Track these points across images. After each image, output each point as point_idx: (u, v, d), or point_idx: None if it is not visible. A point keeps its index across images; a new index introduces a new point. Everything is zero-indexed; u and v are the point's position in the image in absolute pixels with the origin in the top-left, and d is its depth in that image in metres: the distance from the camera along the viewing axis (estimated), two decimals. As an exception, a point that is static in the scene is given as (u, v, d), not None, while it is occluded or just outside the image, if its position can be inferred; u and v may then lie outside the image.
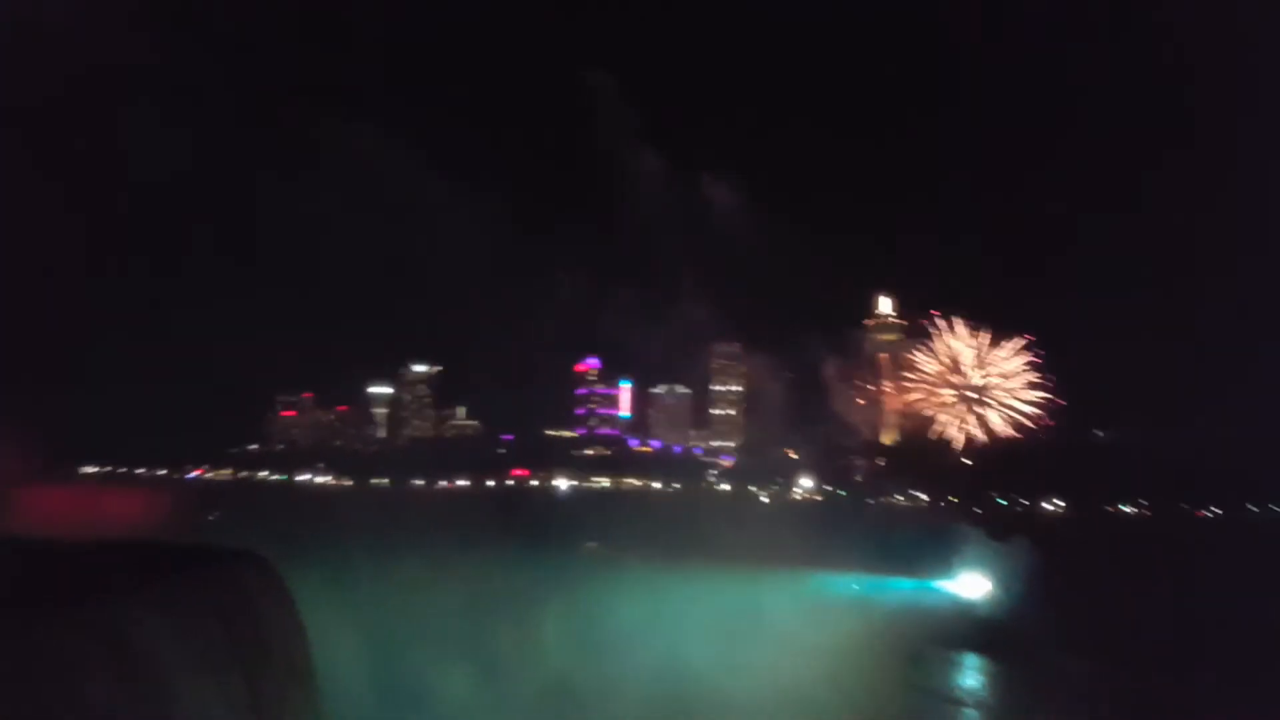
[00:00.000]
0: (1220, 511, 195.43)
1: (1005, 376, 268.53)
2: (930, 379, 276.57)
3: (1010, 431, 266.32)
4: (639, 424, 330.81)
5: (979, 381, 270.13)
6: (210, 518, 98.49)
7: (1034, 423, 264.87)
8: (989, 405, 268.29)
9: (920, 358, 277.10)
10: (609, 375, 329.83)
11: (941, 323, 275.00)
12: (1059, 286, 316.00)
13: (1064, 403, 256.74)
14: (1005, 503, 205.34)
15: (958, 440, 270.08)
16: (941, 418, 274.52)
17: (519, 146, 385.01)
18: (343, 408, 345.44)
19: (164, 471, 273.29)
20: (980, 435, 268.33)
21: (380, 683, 33.80)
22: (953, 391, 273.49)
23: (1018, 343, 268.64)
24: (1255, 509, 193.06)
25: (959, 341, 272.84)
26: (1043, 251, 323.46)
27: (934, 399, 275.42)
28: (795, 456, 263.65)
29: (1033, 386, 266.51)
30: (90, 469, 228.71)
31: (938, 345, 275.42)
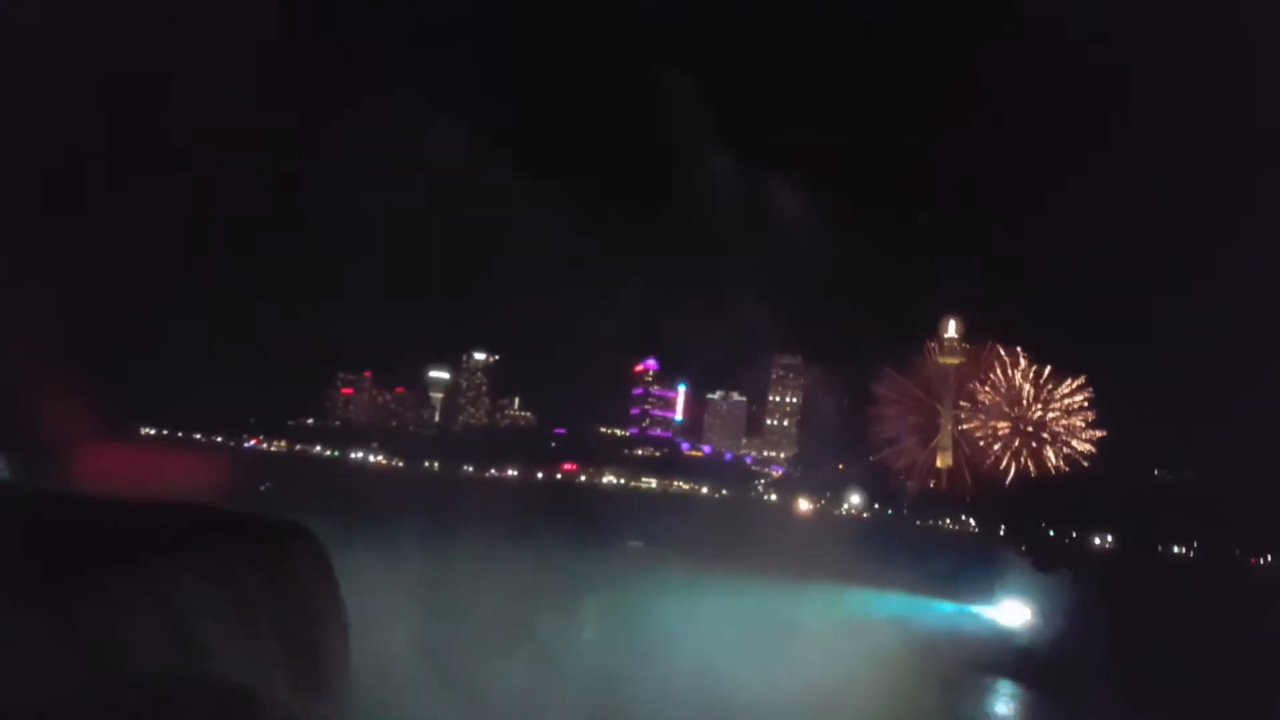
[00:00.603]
0: (1270, 559, 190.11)
1: (1064, 412, 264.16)
2: (987, 410, 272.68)
3: (1064, 467, 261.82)
4: (692, 428, 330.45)
5: (1038, 416, 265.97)
6: (262, 488, 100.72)
7: (1088, 461, 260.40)
8: (1045, 441, 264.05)
9: (980, 388, 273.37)
10: (666, 377, 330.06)
11: (1004, 355, 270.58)
12: (1123, 321, 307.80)
13: (1117, 442, 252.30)
14: (1054, 534, 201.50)
15: (1010, 471, 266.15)
16: (995, 448, 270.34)
17: (591, 143, 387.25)
18: (400, 389, 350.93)
19: (220, 439, 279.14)
20: (1033, 469, 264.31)
21: (412, 657, 34.44)
22: (1008, 424, 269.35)
23: (1078, 380, 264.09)
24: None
25: (1020, 374, 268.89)
26: (1107, 286, 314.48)
27: (990, 429, 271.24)
28: (846, 472, 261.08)
29: (1091, 425, 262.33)
30: (150, 430, 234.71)
31: (997, 376, 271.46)
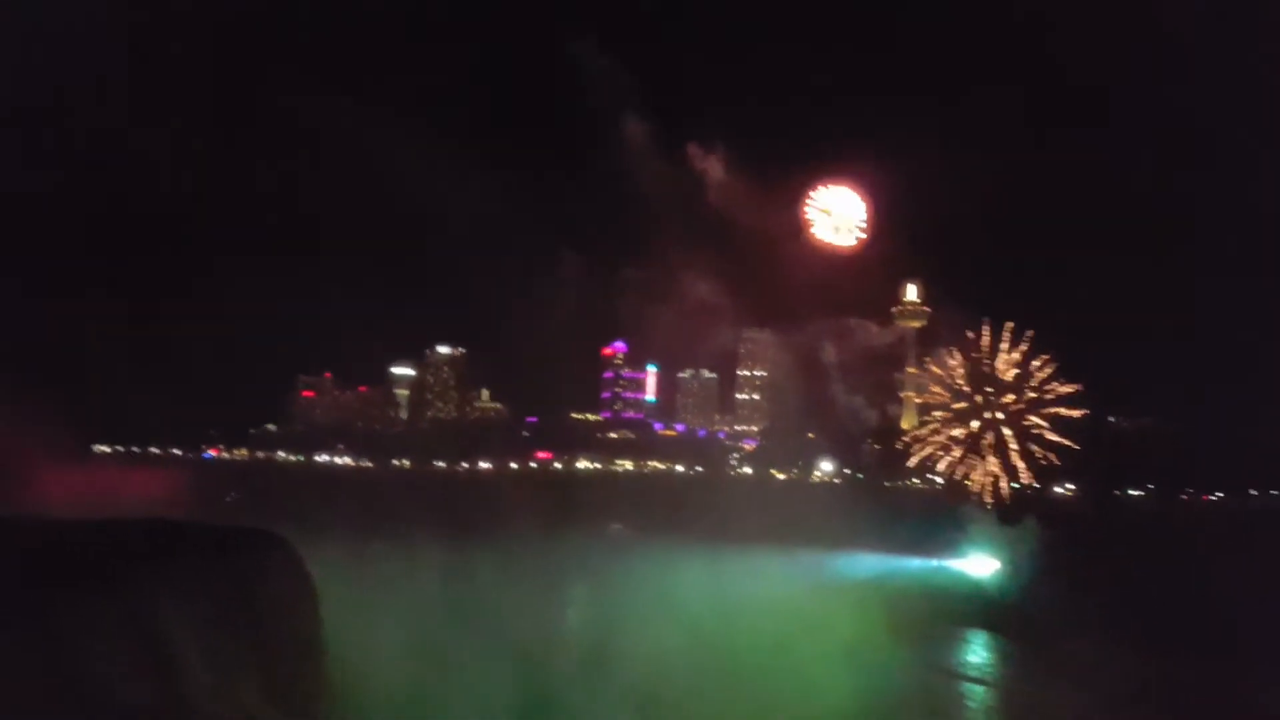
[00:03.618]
0: (1223, 496, 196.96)
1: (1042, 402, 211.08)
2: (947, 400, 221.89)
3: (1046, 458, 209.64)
4: (665, 408, 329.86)
5: (1016, 409, 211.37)
6: (228, 498, 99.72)
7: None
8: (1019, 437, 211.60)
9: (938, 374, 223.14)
10: (635, 359, 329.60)
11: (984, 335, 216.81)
12: (1065, 270, 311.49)
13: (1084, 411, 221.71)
14: (1017, 486, 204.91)
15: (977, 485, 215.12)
16: (954, 455, 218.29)
17: (548, 128, 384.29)
18: (364, 388, 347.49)
19: (180, 451, 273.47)
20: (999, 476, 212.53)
21: (397, 662, 34.35)
22: (962, 426, 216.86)
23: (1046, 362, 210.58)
24: (1256, 494, 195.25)
25: (999, 356, 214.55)
26: (1049, 235, 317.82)
27: (944, 432, 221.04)
28: (818, 440, 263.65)
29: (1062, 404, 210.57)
30: (104, 448, 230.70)
31: (953, 360, 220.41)
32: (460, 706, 32.49)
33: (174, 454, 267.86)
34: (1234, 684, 44.13)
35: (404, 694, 31.04)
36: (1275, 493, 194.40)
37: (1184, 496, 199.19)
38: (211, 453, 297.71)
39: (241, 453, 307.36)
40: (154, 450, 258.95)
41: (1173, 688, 44.75)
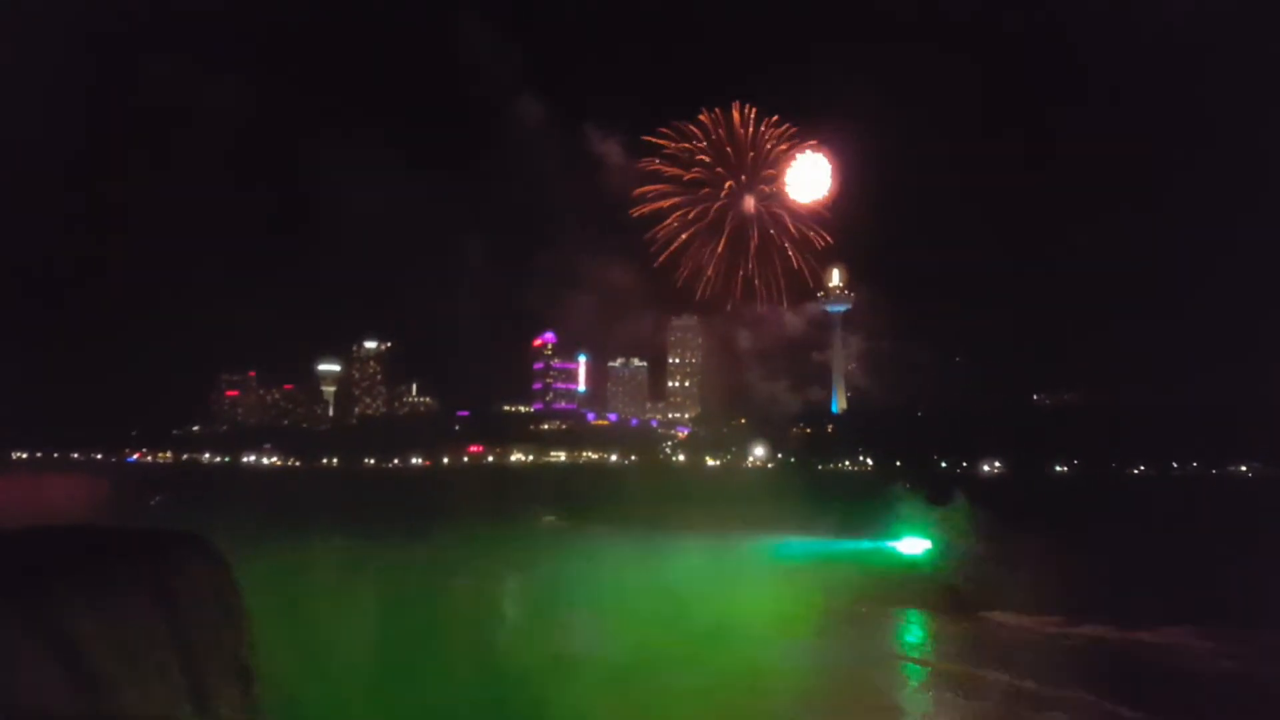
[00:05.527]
0: (1145, 469, 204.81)
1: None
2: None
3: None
4: (596, 397, 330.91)
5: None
6: (153, 502, 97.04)
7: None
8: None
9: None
10: (565, 349, 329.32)
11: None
12: (998, 253, 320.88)
13: (997, 372, 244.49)
14: (946, 465, 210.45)
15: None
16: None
17: (470, 121, 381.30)
18: (289, 386, 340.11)
19: (101, 456, 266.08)
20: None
21: (328, 674, 33.63)
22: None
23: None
24: (1177, 466, 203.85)
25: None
26: (979, 218, 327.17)
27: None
28: (749, 425, 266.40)
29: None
30: (21, 454, 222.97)
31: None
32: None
33: (95, 458, 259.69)
34: (1164, 653, 45.62)
35: (335, 707, 30.44)
36: (1195, 465, 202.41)
37: (1106, 470, 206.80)
38: (134, 456, 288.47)
39: (165, 455, 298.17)
40: (74, 455, 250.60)
41: (1100, 659, 45.95)
